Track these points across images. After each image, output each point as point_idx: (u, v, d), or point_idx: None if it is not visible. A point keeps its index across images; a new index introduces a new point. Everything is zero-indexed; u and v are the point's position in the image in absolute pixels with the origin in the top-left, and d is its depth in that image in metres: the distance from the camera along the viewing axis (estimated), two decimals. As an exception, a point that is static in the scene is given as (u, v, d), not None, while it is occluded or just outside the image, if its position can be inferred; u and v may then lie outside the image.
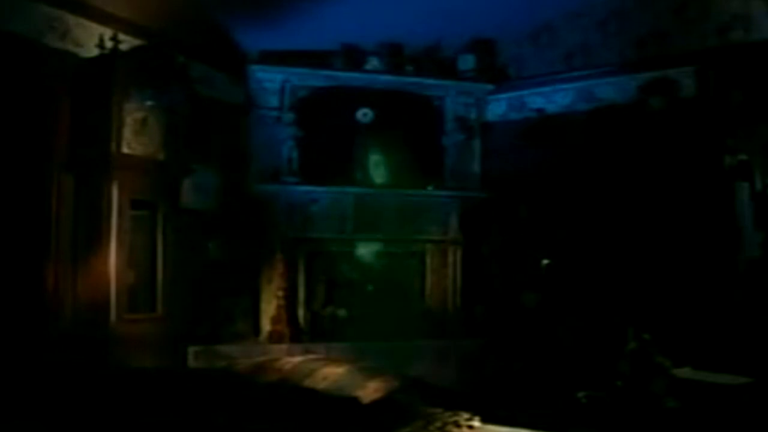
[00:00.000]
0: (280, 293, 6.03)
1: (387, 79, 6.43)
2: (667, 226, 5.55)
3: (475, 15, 5.95)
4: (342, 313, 6.19)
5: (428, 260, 6.51)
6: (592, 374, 3.99)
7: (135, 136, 4.87)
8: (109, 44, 4.76)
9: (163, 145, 5.06)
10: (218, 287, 5.90)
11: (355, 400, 3.38)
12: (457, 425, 3.20)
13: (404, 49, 6.54)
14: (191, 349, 5.38)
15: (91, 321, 4.64)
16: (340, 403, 3.35)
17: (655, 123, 5.70)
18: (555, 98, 6.49)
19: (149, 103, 4.98)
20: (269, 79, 6.21)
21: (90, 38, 4.85)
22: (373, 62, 6.43)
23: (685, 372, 3.84)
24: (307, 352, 5.26)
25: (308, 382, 3.61)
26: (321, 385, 3.57)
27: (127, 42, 4.92)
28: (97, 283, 4.65)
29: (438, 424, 3.18)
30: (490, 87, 6.71)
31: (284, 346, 5.74)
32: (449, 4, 5.61)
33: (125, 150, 4.79)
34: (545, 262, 6.23)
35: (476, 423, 3.26)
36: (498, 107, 6.80)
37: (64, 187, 4.77)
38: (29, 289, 4.59)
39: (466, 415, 3.30)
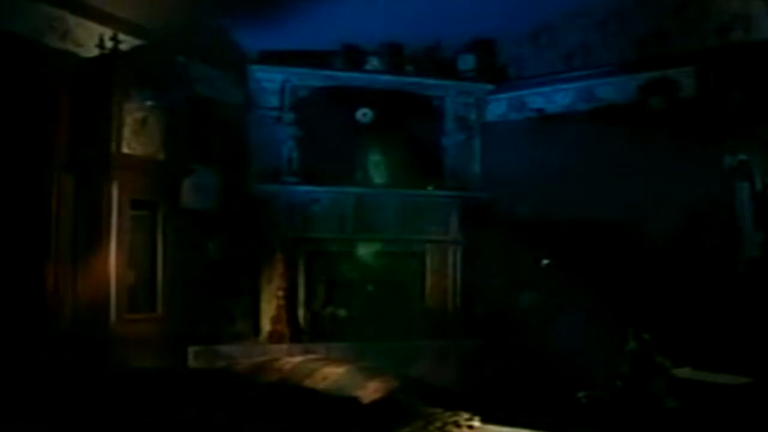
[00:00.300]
0: (280, 293, 6.02)
1: (387, 79, 6.43)
2: (667, 226, 5.55)
3: (475, 15, 5.94)
4: (342, 313, 6.19)
5: (428, 260, 6.50)
6: (592, 374, 3.99)
7: (135, 136, 4.87)
8: (109, 44, 4.76)
9: (163, 145, 5.06)
10: (218, 287, 5.90)
11: (355, 400, 3.39)
12: (457, 425, 3.21)
13: (404, 49, 6.54)
14: (191, 349, 5.38)
15: (91, 321, 4.64)
16: (340, 403, 3.35)
17: (655, 123, 5.70)
18: (555, 98, 6.49)
19: (149, 103, 4.98)
20: (269, 79, 6.21)
21: (90, 38, 4.85)
22: (373, 62, 6.43)
23: (685, 372, 3.84)
24: (307, 352, 5.26)
25: (308, 382, 3.61)
26: (321, 385, 3.57)
27: (127, 42, 4.92)
28: (97, 283, 4.65)
29: (438, 424, 3.19)
30: (490, 87, 6.71)
31: (284, 346, 5.74)
32: (449, 4, 5.60)
33: (125, 150, 4.79)
34: (545, 262, 6.23)
35: (476, 423, 3.27)
36: (498, 107, 6.80)
37: (64, 187, 4.77)
38: (29, 289, 4.59)
39: (466, 415, 3.30)
